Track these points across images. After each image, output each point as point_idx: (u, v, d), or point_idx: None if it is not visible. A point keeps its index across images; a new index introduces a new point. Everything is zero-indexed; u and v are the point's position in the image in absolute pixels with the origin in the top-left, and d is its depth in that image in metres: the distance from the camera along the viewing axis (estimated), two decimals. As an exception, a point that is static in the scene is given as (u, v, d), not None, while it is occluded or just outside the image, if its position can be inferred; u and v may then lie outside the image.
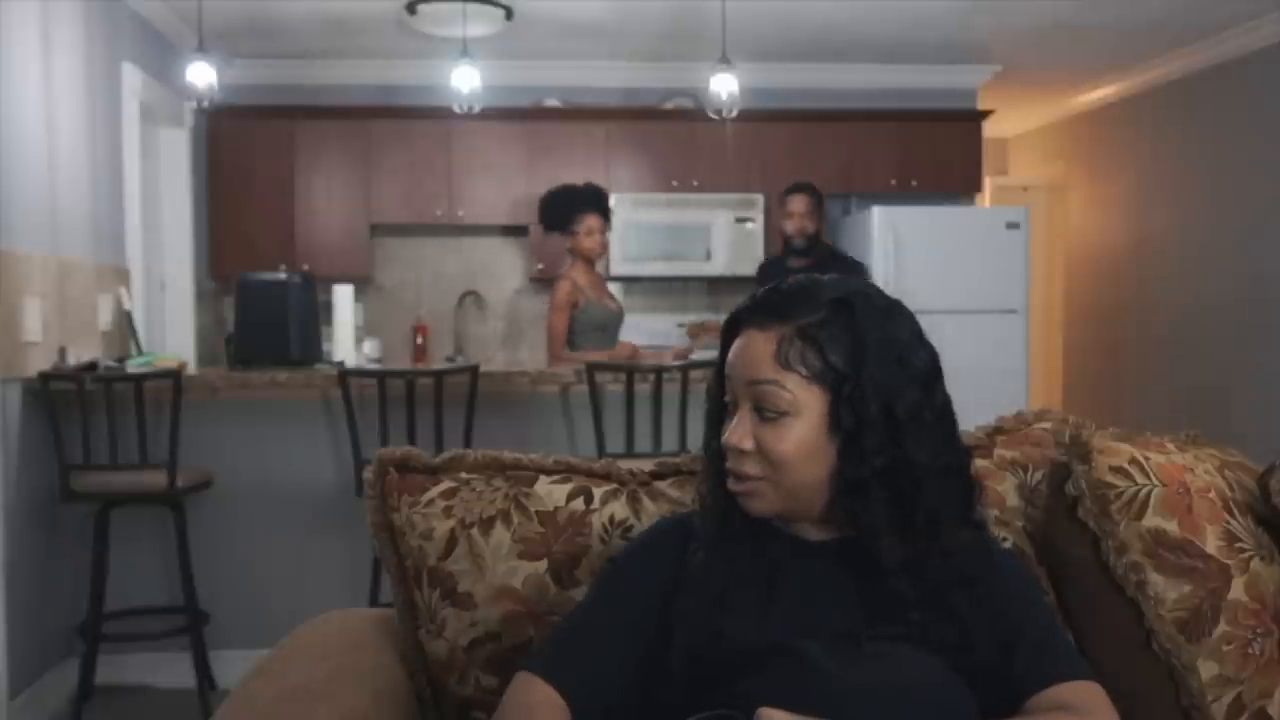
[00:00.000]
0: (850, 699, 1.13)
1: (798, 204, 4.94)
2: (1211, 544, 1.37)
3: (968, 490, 1.27)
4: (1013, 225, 6.10)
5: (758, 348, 1.23)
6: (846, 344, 1.20)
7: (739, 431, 1.23)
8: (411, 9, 5.19)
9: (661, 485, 1.52)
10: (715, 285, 6.48)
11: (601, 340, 4.48)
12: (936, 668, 1.17)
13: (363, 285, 5.93)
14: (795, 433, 1.20)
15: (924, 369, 1.23)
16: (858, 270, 5.15)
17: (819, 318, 1.22)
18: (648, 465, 1.56)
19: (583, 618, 1.32)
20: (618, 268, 6.14)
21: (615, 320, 4.57)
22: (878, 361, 1.20)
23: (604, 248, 4.51)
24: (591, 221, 4.39)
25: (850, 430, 1.20)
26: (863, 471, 1.19)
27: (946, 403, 1.26)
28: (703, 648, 1.21)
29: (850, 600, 1.22)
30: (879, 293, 1.27)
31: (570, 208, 4.41)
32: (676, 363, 3.71)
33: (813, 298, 1.24)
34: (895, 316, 1.25)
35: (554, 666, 1.26)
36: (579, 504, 1.47)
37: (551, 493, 1.48)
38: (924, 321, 1.28)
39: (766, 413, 1.21)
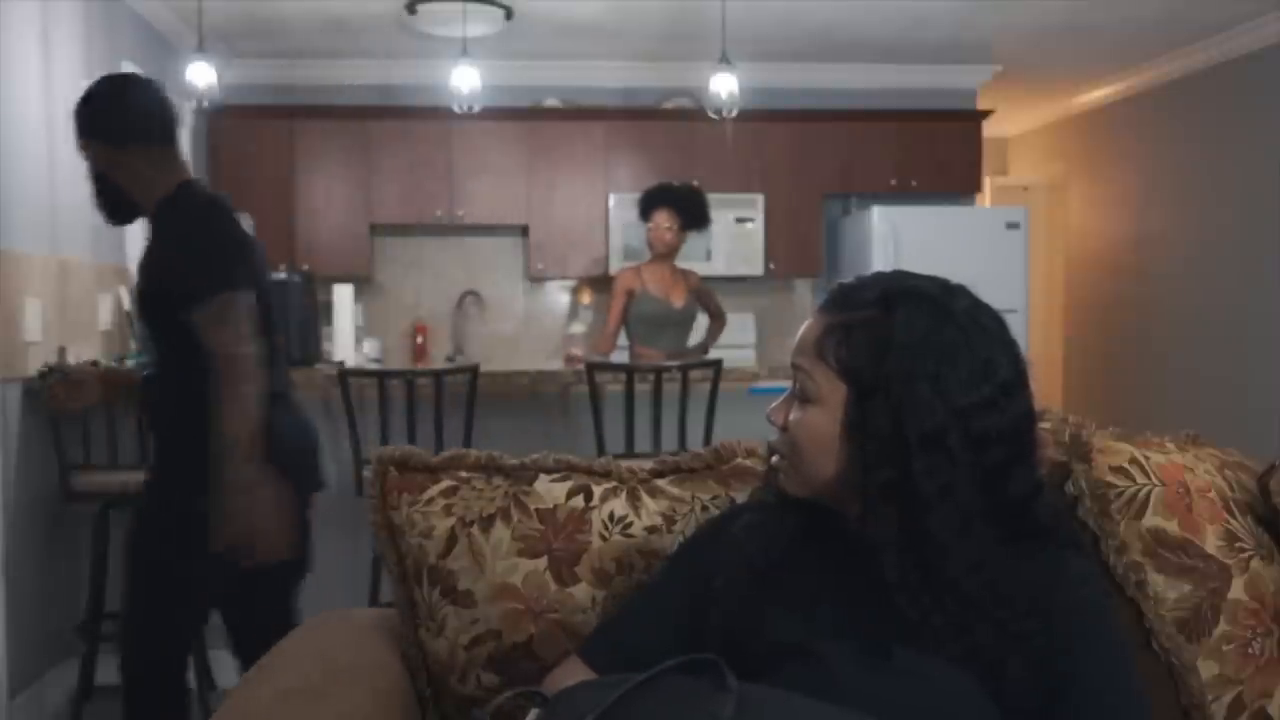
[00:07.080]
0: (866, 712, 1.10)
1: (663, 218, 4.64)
2: (1211, 544, 1.37)
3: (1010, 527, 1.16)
4: (1013, 225, 6.11)
5: (810, 332, 1.22)
6: (875, 346, 1.15)
7: (777, 407, 1.24)
8: (411, 9, 5.20)
9: (661, 483, 1.52)
10: (715, 285, 6.46)
11: (650, 334, 4.53)
12: (966, 692, 1.11)
13: (362, 285, 5.93)
14: (813, 420, 1.19)
15: (963, 392, 1.13)
16: None
17: (863, 315, 1.18)
18: (648, 464, 1.55)
19: (630, 601, 1.39)
20: (617, 268, 6.14)
21: (672, 317, 4.64)
22: (898, 371, 1.13)
23: (669, 245, 4.61)
24: (660, 217, 4.58)
25: (861, 436, 1.15)
26: (865, 482, 1.15)
27: (991, 435, 1.13)
28: (739, 626, 1.21)
29: (888, 605, 1.15)
30: (944, 297, 1.19)
31: (647, 202, 4.63)
32: (675, 363, 3.71)
33: (868, 293, 1.20)
34: (953, 328, 1.16)
35: (589, 645, 1.36)
36: (579, 501, 1.47)
37: (551, 490, 1.48)
38: None
39: (799, 395, 1.21)
